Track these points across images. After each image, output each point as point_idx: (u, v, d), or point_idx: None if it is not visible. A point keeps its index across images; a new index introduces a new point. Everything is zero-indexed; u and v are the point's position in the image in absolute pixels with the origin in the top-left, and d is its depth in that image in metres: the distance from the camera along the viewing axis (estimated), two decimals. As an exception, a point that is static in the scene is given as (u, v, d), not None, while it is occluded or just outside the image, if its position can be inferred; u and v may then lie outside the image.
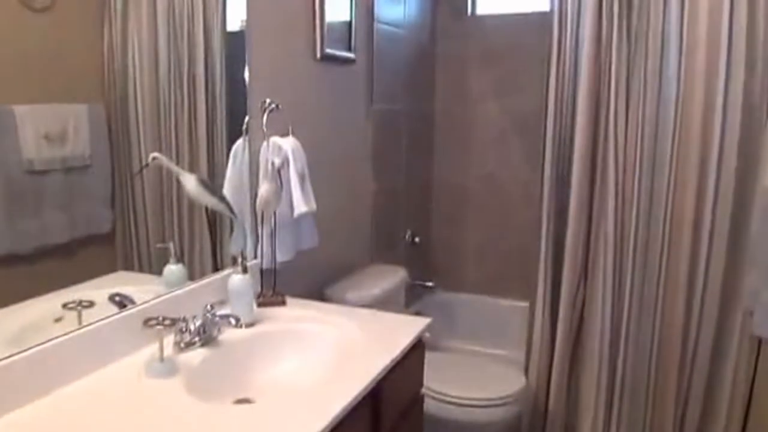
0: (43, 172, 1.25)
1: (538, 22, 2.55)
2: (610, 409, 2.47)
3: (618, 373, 2.43)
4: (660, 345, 2.37)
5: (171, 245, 1.60)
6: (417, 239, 3.21)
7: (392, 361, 1.46)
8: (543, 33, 2.42)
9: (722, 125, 2.17)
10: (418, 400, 1.74)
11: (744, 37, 2.10)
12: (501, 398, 2.29)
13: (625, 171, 2.34)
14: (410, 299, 2.94)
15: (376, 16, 2.62)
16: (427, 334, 1.73)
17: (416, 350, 1.66)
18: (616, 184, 2.35)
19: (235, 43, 1.79)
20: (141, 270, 1.52)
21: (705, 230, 2.24)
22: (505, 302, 3.30)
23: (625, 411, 2.46)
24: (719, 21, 2.12)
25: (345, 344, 1.58)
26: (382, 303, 2.27)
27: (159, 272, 1.58)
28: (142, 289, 1.51)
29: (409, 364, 1.61)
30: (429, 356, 2.47)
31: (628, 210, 2.35)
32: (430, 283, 3.27)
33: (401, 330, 1.64)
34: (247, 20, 1.82)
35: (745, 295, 2.18)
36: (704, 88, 2.18)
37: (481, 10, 3.32)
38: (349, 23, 2.40)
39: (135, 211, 1.48)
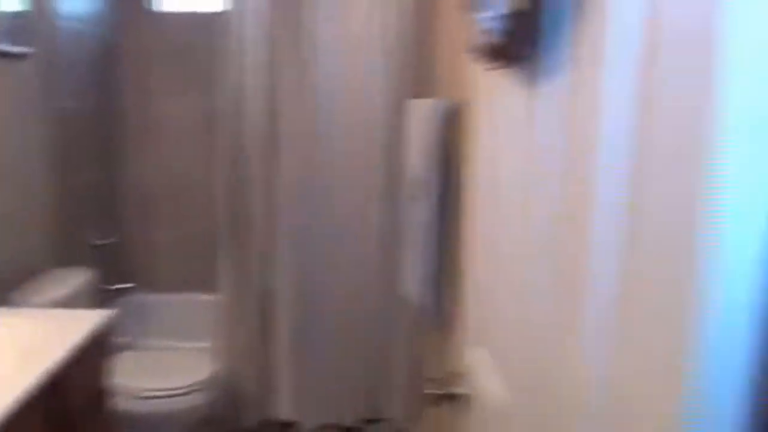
0: None
1: (217, 20, 2.70)
2: (302, 385, 2.70)
3: (307, 353, 2.68)
4: (342, 323, 2.65)
5: None
6: (109, 240, 3.15)
7: (67, 355, 1.50)
8: (222, 32, 2.55)
9: (380, 121, 2.51)
10: (104, 393, 1.78)
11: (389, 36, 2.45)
12: (187, 387, 2.41)
13: (296, 166, 2.58)
14: (107, 302, 2.89)
15: (53, 8, 2.54)
16: (122, 338, 1.77)
17: (98, 343, 1.70)
18: (292, 180, 2.58)
19: None
20: None
21: (372, 215, 2.57)
22: (205, 297, 3.36)
23: (317, 387, 2.71)
24: (362, 20, 2.46)
25: (17, 344, 1.57)
26: (66, 306, 2.23)
27: None
28: None
29: (90, 357, 1.65)
30: (128, 355, 2.53)
31: (302, 203, 2.60)
32: (127, 285, 3.22)
33: (77, 325, 1.67)
34: None
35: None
36: (361, 89, 2.50)
37: (163, 7, 3.33)
38: (23, 16, 2.30)
39: None
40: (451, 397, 1.37)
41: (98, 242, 3.10)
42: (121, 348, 2.64)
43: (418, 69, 2.47)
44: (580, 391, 0.72)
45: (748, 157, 0.47)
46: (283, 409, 2.72)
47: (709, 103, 0.49)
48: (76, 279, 2.46)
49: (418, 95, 2.32)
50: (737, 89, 0.47)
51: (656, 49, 0.59)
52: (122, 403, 2.27)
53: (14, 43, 2.26)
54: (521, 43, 0.84)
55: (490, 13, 0.83)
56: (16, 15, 2.28)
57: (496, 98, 1.14)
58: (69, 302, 2.27)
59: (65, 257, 2.72)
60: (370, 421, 2.74)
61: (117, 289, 3.16)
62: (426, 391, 1.42)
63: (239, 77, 2.54)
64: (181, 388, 2.39)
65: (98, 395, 1.74)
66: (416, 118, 2.03)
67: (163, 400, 2.36)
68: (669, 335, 0.55)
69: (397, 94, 2.48)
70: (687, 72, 0.52)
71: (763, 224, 0.48)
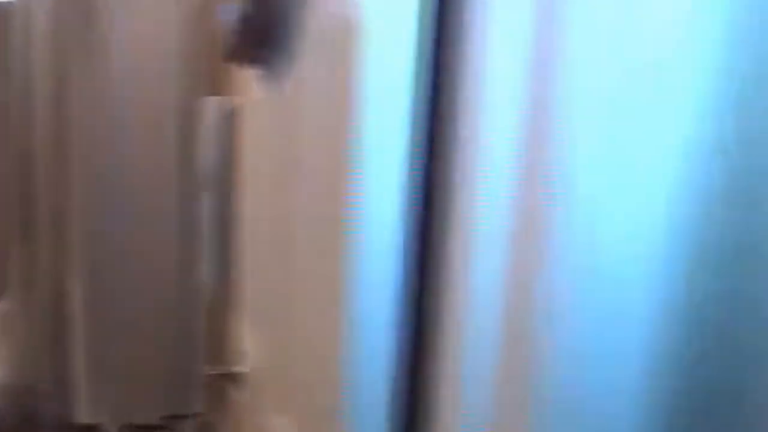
0: None
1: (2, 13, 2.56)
2: (101, 386, 2.63)
3: (105, 351, 2.61)
4: (140, 318, 2.61)
5: None
6: None
7: None
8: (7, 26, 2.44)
9: (174, 112, 2.50)
10: None
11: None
12: None
13: (88, 157, 2.49)
14: None
15: None
16: None
17: None
18: (83, 171, 2.49)
19: None
20: None
21: (168, 205, 2.55)
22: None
23: (118, 387, 2.64)
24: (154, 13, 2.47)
25: None
26: None
27: None
28: None
29: None
30: None
31: (95, 195, 2.53)
32: None
33: None
34: None
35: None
36: (155, 77, 2.49)
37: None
38: None
39: None
40: (234, 377, 1.46)
41: None
42: None
43: (212, 64, 2.51)
44: (301, 341, 0.84)
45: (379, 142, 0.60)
46: (82, 413, 2.63)
47: (351, 97, 0.61)
48: None
49: (215, 92, 2.37)
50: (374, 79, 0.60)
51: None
52: None
53: None
54: (254, 46, 0.94)
55: (225, 15, 0.93)
56: None
57: (255, 96, 1.24)
58: None
59: None
60: (176, 417, 2.73)
61: None
62: (209, 373, 1.49)
63: (26, 70, 2.43)
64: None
65: None
66: (207, 116, 2.09)
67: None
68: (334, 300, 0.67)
69: (192, 86, 2.50)
70: (337, 64, 0.65)
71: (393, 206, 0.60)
